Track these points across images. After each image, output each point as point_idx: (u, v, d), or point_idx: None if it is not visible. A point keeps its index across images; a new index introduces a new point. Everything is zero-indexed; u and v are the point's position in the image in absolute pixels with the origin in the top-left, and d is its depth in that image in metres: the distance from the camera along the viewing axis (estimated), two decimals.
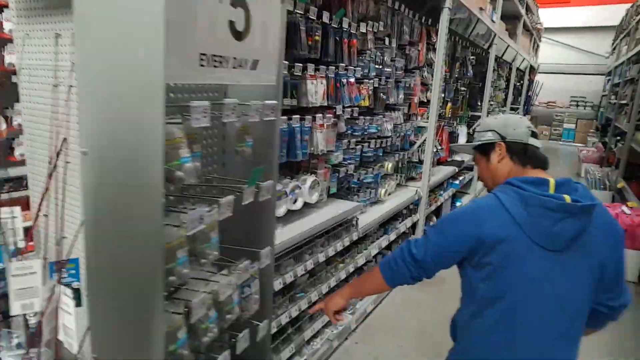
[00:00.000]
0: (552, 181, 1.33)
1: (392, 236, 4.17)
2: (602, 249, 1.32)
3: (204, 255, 1.29)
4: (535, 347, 1.30)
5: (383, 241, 4.01)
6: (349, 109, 3.16)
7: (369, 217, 3.72)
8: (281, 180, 2.60)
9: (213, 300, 1.39)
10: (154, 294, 1.08)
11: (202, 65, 1.08)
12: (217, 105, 1.21)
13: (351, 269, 3.40)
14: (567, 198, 1.26)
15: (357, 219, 3.42)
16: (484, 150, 1.53)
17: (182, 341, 1.26)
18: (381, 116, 3.74)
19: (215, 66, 1.13)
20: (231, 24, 1.15)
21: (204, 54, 1.08)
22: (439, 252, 1.40)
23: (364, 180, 3.81)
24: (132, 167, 1.04)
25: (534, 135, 1.47)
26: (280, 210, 2.64)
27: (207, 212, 1.14)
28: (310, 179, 2.92)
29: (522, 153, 1.45)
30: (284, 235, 2.53)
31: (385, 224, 4.15)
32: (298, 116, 2.60)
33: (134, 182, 1.04)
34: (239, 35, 1.18)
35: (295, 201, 2.83)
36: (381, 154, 4.02)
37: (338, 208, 3.20)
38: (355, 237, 3.35)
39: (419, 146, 4.76)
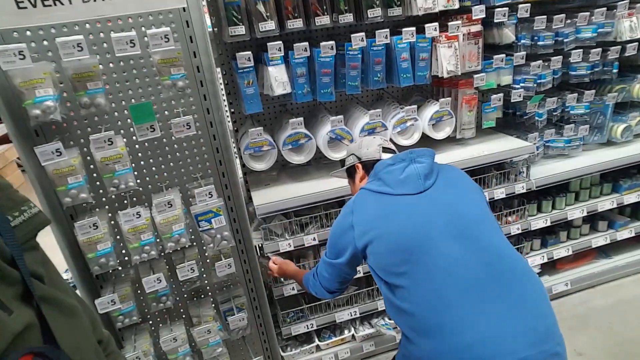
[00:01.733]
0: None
1: (630, 197, 2.76)
2: (465, 185, 1.49)
3: (111, 184, 1.41)
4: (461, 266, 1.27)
5: (605, 202, 2.74)
6: (505, 9, 2.18)
7: (571, 164, 2.61)
8: (373, 109, 2.20)
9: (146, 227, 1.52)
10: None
11: (22, 8, 1.12)
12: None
13: (515, 230, 2.57)
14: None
15: (527, 164, 2.48)
16: (350, 173, 1.72)
17: (103, 252, 1.48)
18: (604, 9, 2.36)
19: (47, 5, 1.15)
20: None
21: None
22: (335, 269, 1.53)
23: (571, 112, 2.64)
24: None
25: (386, 150, 1.63)
26: None
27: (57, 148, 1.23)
28: (432, 108, 2.33)
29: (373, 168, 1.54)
30: None
31: (619, 178, 2.79)
32: (387, 30, 2.05)
33: None
34: None
35: (411, 136, 2.36)
36: (615, 70, 2.59)
37: (484, 148, 2.43)
38: (521, 189, 2.47)
39: None
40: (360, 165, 1.63)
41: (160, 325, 1.87)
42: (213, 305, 1.95)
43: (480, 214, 1.40)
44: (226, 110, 2.49)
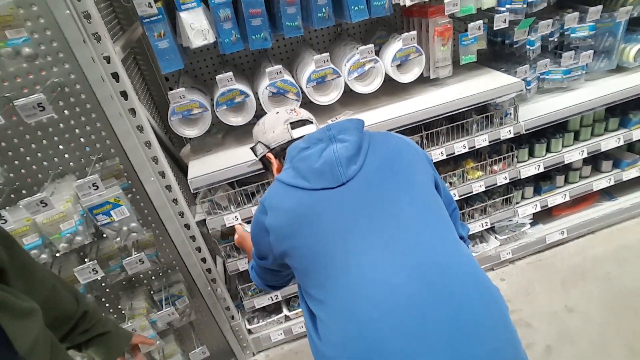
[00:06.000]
0: None
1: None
2: (404, 161, 1.12)
3: None
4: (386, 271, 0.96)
5: (609, 140, 2.37)
6: None
7: (571, 99, 2.22)
8: (331, 51, 1.83)
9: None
10: None
11: None
12: None
13: (502, 180, 2.26)
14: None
15: (515, 104, 2.10)
16: (266, 165, 1.37)
17: None
18: None
19: None
20: None
21: None
22: (263, 268, 1.27)
23: (572, 35, 2.18)
24: None
25: (297, 124, 1.28)
26: (326, 99, 1.94)
27: None
28: (395, 46, 1.93)
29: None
30: None
31: (629, 111, 2.39)
32: None
33: None
34: None
35: (372, 81, 1.99)
36: None
37: (462, 88, 2.04)
38: (508, 133, 2.12)
39: None
40: (272, 155, 1.28)
41: None
42: (151, 292, 1.78)
43: (422, 209, 1.06)
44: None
